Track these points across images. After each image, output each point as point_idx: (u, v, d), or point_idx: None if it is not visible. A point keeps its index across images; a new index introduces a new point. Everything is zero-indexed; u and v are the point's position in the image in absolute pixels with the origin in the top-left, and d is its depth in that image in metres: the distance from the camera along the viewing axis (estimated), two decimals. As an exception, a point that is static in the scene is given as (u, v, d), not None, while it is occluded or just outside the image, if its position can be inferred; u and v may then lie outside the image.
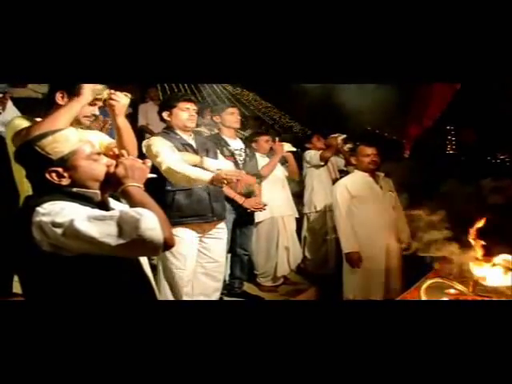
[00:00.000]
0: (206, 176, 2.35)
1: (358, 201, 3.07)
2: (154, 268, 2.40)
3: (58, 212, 1.15)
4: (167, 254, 2.50)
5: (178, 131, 2.61)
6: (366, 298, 2.92)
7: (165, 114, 2.61)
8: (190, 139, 2.64)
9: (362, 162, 3.13)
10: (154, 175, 1.41)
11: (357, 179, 3.15)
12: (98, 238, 1.12)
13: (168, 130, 2.62)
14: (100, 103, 1.95)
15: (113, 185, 1.29)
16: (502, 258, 2.01)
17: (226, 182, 2.33)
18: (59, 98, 1.86)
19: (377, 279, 2.98)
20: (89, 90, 1.85)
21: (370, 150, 3.11)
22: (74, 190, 1.26)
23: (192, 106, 2.62)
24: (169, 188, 2.52)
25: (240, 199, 3.12)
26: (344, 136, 4.12)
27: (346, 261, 3.03)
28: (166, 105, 2.65)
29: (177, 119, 2.59)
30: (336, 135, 4.10)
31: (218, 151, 2.84)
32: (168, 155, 2.41)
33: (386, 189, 3.15)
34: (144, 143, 2.51)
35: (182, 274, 2.55)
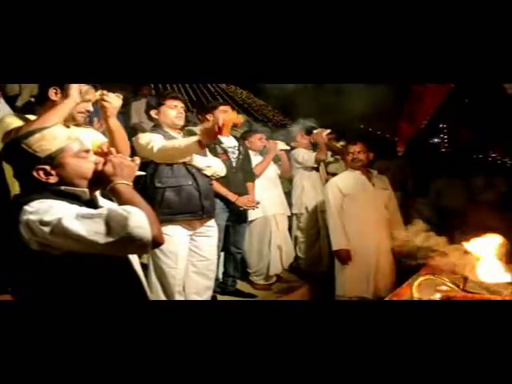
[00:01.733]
0: (192, 139, 2.33)
1: (350, 199, 3.08)
2: (145, 267, 2.39)
3: (45, 210, 1.15)
4: (158, 252, 2.49)
5: (167, 129, 2.60)
6: (356, 295, 2.94)
7: (153, 112, 2.60)
8: (179, 137, 2.62)
9: (347, 161, 3.19)
10: (143, 173, 1.40)
11: (348, 177, 3.16)
12: (86, 236, 1.11)
13: (157, 128, 2.61)
14: (93, 100, 1.94)
15: (101, 182, 1.29)
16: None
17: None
18: (52, 93, 1.85)
19: (367, 276, 2.99)
20: (76, 91, 1.83)
21: (352, 148, 3.14)
22: (62, 188, 1.25)
23: (180, 104, 2.61)
24: (159, 185, 2.50)
25: (233, 197, 3.11)
26: (328, 131, 4.10)
27: (335, 258, 3.05)
28: (154, 103, 2.64)
29: (165, 117, 2.58)
30: (319, 130, 4.07)
31: (207, 149, 2.83)
32: (158, 139, 2.43)
33: (378, 187, 3.15)
34: (133, 139, 2.49)
35: (174, 272, 2.54)
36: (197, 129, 3.65)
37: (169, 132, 2.59)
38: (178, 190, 2.54)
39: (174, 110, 2.58)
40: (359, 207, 3.05)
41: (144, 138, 2.46)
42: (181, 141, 2.43)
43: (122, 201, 1.23)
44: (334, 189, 3.10)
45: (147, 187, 2.46)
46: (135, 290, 1.36)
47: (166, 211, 2.47)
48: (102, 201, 1.39)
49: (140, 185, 2.27)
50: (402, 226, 3.12)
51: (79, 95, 1.85)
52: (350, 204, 3.07)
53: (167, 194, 2.51)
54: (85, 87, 1.88)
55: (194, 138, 2.33)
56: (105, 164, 1.29)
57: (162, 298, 2.55)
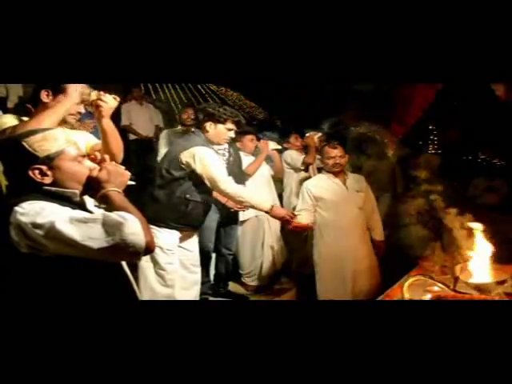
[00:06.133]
0: (266, 206, 2.56)
1: (323, 203, 2.99)
2: (134, 267, 2.37)
3: (38, 212, 1.14)
4: (157, 249, 2.49)
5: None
6: (335, 299, 2.89)
7: (208, 124, 2.57)
8: None
9: (327, 164, 3.02)
10: (133, 182, 1.42)
11: (321, 181, 3.06)
12: (80, 241, 1.11)
13: (190, 132, 2.67)
14: (87, 102, 1.93)
15: (94, 188, 1.29)
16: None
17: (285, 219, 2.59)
18: (44, 96, 1.84)
19: (344, 280, 2.93)
20: (75, 92, 1.83)
21: (333, 153, 2.96)
22: (53, 189, 1.25)
23: (234, 128, 2.63)
24: (187, 196, 2.52)
25: (223, 199, 3.10)
26: (319, 134, 4.05)
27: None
28: (217, 116, 2.58)
29: (218, 135, 2.59)
30: (312, 133, 4.03)
31: None
32: (225, 176, 2.52)
33: (352, 189, 3.03)
34: (193, 152, 2.49)
35: (171, 268, 2.57)
36: None
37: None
38: (199, 204, 2.59)
39: (227, 133, 2.61)
40: (333, 211, 2.97)
41: (217, 173, 2.50)
42: (253, 198, 2.58)
43: (114, 207, 1.24)
44: (305, 193, 3.01)
45: (173, 195, 2.52)
46: (125, 289, 1.37)
47: (180, 220, 2.54)
48: (90, 204, 1.39)
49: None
50: (380, 227, 3.11)
51: (78, 95, 1.84)
52: (323, 207, 2.99)
53: (190, 206, 2.55)
54: (85, 89, 1.87)
55: (268, 207, 2.55)
56: (99, 170, 1.30)
57: (157, 292, 2.55)
